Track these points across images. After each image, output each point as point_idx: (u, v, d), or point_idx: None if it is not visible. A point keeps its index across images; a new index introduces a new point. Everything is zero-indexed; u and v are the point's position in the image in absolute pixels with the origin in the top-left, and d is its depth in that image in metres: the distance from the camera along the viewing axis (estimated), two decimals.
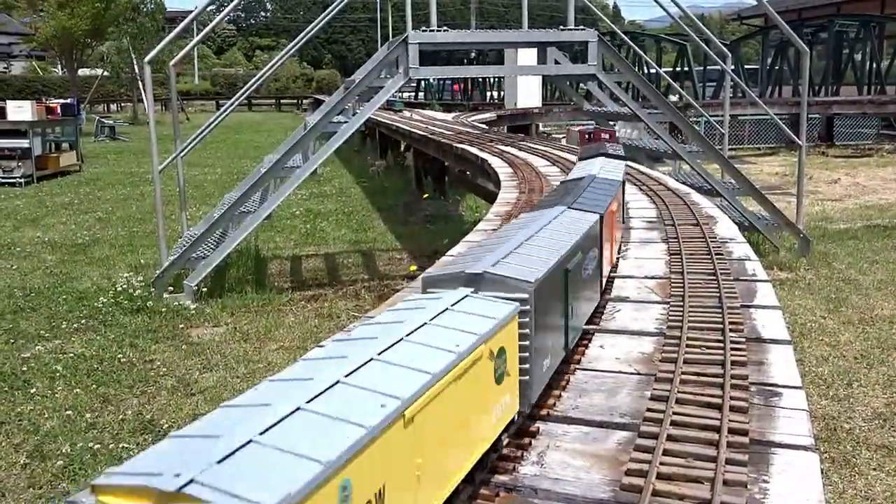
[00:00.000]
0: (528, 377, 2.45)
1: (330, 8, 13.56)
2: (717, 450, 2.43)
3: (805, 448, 2.51)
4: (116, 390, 7.03)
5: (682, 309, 3.99)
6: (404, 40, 10.01)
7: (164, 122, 28.15)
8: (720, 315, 3.82)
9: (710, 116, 14.54)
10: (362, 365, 1.77)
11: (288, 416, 1.48)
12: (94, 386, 7.11)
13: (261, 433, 1.39)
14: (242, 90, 12.71)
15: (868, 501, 4.99)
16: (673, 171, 13.67)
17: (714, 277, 4.58)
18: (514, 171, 10.94)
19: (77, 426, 6.25)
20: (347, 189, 21.67)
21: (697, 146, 11.91)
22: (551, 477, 2.38)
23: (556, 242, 2.96)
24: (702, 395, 2.89)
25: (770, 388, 3.03)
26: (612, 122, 15.21)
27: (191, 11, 11.04)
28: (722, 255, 5.18)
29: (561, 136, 28.72)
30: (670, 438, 2.54)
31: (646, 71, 26.51)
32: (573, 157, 12.67)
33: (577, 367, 3.32)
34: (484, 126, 22.00)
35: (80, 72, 49.48)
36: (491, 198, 11.86)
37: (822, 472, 2.42)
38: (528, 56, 18.46)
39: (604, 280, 4.07)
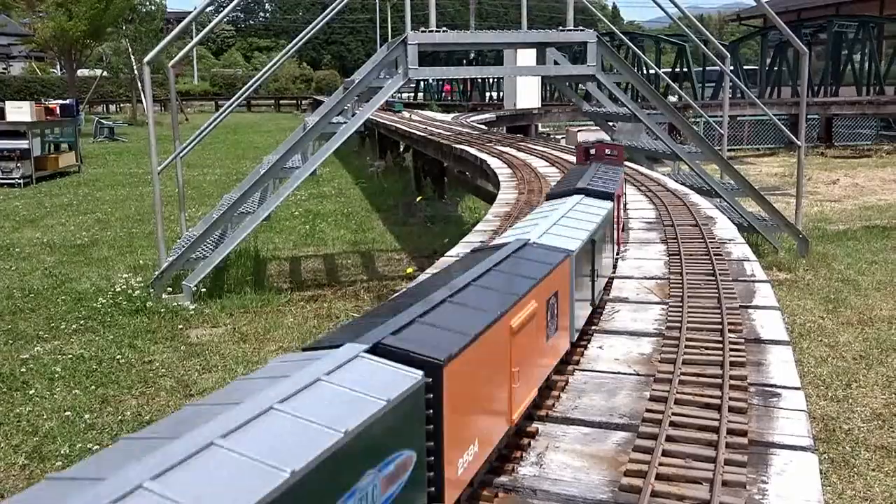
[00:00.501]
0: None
1: (329, 8, 13.56)
2: (716, 451, 2.43)
3: (804, 449, 2.51)
4: (115, 391, 7.02)
5: (681, 310, 4.00)
6: (403, 41, 10.01)
7: (163, 122, 28.17)
8: (719, 316, 3.82)
9: (710, 117, 14.55)
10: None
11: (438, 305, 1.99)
12: (92, 387, 7.10)
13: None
14: (241, 91, 12.71)
15: (867, 502, 4.99)
16: (672, 171, 13.68)
17: (713, 278, 4.59)
18: (513, 172, 10.94)
19: (76, 427, 6.25)
20: (346, 190, 21.67)
21: (696, 147, 11.92)
22: (550, 478, 2.38)
23: None
24: (701, 395, 2.89)
25: (769, 388, 3.03)
26: (613, 127, 15.22)
27: (190, 12, 11.03)
28: (721, 255, 5.19)
29: (560, 136, 28.74)
30: (669, 439, 2.54)
31: (645, 71, 26.53)
32: (572, 158, 12.68)
33: (577, 367, 3.32)
34: (483, 127, 22.01)
35: (79, 72, 49.49)
36: (490, 198, 11.87)
37: (820, 473, 2.42)
38: (527, 57, 18.48)
39: None
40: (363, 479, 1.34)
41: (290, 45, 13.01)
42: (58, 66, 60.15)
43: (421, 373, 1.62)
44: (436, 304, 2.02)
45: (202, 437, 1.21)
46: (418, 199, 18.08)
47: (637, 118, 12.42)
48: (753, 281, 4.73)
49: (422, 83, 48.45)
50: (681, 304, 4.09)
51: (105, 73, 51.26)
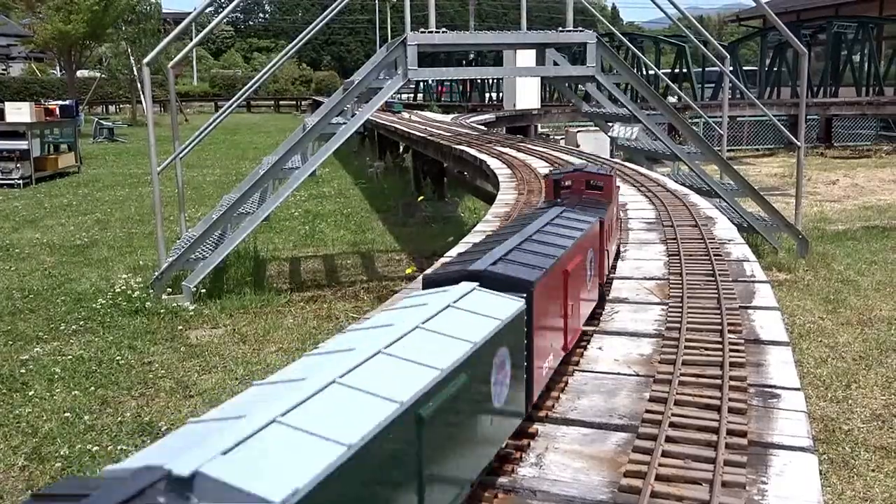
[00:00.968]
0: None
1: (328, 9, 13.57)
2: (716, 451, 2.43)
3: (803, 449, 2.52)
4: (115, 392, 7.02)
5: (680, 310, 4.00)
6: (403, 41, 10.02)
7: (163, 123, 28.17)
8: (719, 316, 3.82)
9: (709, 117, 14.55)
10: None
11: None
12: (92, 388, 7.10)
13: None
14: (241, 92, 12.71)
15: (867, 503, 4.99)
16: (671, 172, 13.69)
17: (713, 279, 4.59)
18: (512, 173, 10.95)
19: (75, 428, 6.25)
20: (346, 190, 21.68)
21: (696, 147, 11.92)
22: (550, 478, 2.38)
23: None
24: (700, 396, 2.89)
25: (768, 389, 3.03)
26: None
27: (189, 13, 11.04)
28: (720, 256, 5.19)
29: (560, 137, 28.74)
30: (669, 440, 2.54)
31: (644, 72, 26.55)
32: (571, 159, 12.69)
33: (576, 368, 3.32)
34: (482, 128, 22.02)
35: (79, 73, 49.49)
36: (489, 199, 11.87)
37: (820, 474, 2.42)
38: (526, 57, 18.49)
39: None
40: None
41: (290, 46, 13.01)
42: (57, 68, 60.15)
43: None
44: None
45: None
46: (419, 198, 18.08)
47: (636, 119, 12.42)
48: (753, 281, 4.73)
49: (421, 84, 48.46)
50: (680, 305, 4.09)
51: (104, 75, 51.26)
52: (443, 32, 10.28)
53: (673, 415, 2.72)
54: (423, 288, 2.39)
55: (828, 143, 30.49)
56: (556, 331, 2.72)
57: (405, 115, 27.47)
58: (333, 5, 13.29)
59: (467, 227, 14.81)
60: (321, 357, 1.62)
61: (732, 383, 2.97)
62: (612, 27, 19.15)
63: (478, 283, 2.24)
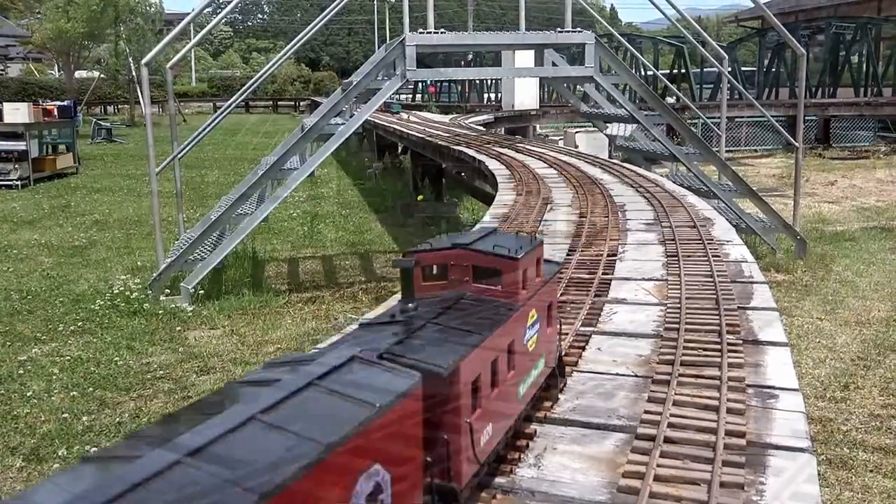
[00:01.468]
0: None
1: (327, 10, 13.56)
2: (714, 452, 2.44)
3: (802, 450, 2.52)
4: (113, 393, 7.02)
5: (679, 311, 4.00)
6: (401, 42, 10.01)
7: (161, 123, 28.12)
8: (717, 317, 3.83)
9: (707, 118, 14.56)
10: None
11: None
12: (90, 389, 7.09)
13: None
14: (240, 92, 12.72)
15: (865, 503, 4.99)
16: (670, 172, 13.69)
17: (711, 279, 4.59)
18: (511, 173, 10.95)
19: (73, 429, 6.24)
20: (345, 191, 21.67)
21: (694, 148, 11.93)
22: (549, 479, 2.38)
23: None
24: (699, 397, 2.89)
25: (767, 389, 3.03)
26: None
27: (188, 14, 11.03)
28: (719, 257, 5.20)
29: (558, 137, 28.74)
30: (667, 440, 2.54)
31: (643, 73, 26.56)
32: (570, 160, 12.69)
33: (575, 369, 3.32)
34: (481, 128, 22.01)
35: (77, 74, 49.44)
36: (488, 200, 11.87)
37: (818, 474, 2.43)
38: (525, 58, 18.49)
39: None
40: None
41: (289, 47, 13.01)
42: (56, 68, 60.12)
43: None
44: None
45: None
46: (418, 199, 18.09)
47: (635, 119, 12.43)
48: (751, 282, 4.73)
49: (419, 84, 48.44)
50: (679, 306, 4.09)
51: (103, 76, 51.21)
52: (441, 33, 10.27)
53: (671, 415, 2.72)
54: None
55: (826, 144, 30.50)
56: None
57: (404, 115, 27.47)
58: (332, 6, 13.29)
59: (466, 227, 14.82)
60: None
61: (731, 384, 2.97)
62: (610, 28, 19.16)
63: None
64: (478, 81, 42.73)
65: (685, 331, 3.66)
